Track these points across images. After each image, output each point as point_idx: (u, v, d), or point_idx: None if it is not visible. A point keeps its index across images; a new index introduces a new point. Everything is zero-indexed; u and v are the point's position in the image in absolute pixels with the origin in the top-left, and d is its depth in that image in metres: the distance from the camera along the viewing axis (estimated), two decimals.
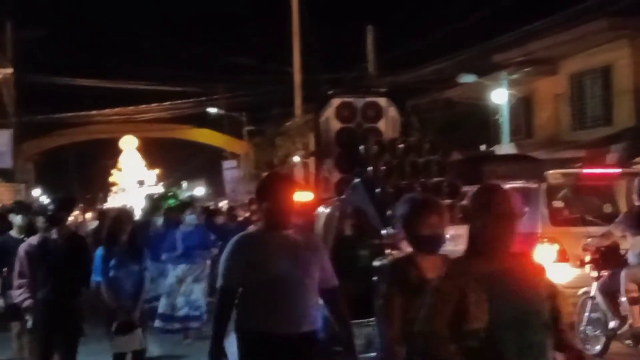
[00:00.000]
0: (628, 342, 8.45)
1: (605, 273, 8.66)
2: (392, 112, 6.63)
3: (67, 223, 7.85)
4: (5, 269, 8.37)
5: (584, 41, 18.03)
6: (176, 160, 45.34)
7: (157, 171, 38.19)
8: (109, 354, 7.47)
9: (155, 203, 17.36)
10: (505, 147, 19.76)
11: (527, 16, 20.19)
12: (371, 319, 5.42)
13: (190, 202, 14.75)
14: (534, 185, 9.60)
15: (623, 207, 9.94)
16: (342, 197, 6.42)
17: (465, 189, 5.76)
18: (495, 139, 21.60)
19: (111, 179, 38.95)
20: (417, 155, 5.78)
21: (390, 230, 5.30)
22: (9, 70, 27.31)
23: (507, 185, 5.64)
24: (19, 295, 7.28)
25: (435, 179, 5.67)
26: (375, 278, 4.99)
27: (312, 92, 25.15)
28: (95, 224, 17.49)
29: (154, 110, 33.82)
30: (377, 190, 5.63)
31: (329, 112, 6.61)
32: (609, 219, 9.23)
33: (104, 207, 25.88)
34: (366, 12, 38.60)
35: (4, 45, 28.87)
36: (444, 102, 24.07)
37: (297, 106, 27.08)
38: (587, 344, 8.56)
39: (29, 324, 7.27)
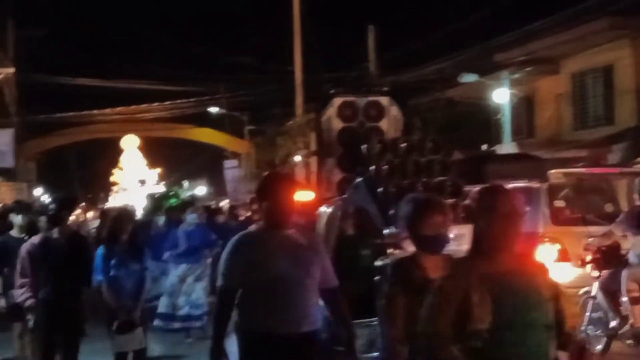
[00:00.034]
0: (629, 342, 8.44)
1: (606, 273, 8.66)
2: (394, 111, 6.63)
3: (69, 222, 7.86)
4: (6, 269, 8.36)
5: (586, 41, 18.03)
6: (177, 159, 45.36)
7: (158, 170, 38.21)
8: (110, 353, 7.47)
9: (156, 202, 17.36)
10: (507, 147, 19.75)
11: (529, 16, 20.22)
12: (373, 319, 5.42)
13: (191, 201, 14.75)
14: (536, 185, 9.59)
15: (624, 207, 9.94)
16: (344, 196, 6.42)
17: (467, 188, 5.76)
18: (496, 139, 21.59)
19: (112, 179, 38.97)
20: (419, 155, 5.77)
21: (393, 230, 5.29)
22: (11, 70, 27.32)
23: (510, 185, 5.66)
24: (21, 294, 7.29)
25: (438, 179, 5.66)
26: (377, 278, 4.99)
27: (313, 91, 25.14)
28: (96, 223, 17.48)
29: (155, 109, 33.84)
30: (379, 189, 5.62)
31: (331, 111, 6.60)
32: (610, 218, 9.22)
33: (106, 207, 25.84)
34: (367, 12, 38.58)
35: (5, 44, 28.88)
36: (445, 101, 24.08)
37: (298, 106, 27.07)
38: (588, 343, 8.55)
39: (31, 323, 7.28)
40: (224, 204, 24.63)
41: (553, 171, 9.90)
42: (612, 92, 18.65)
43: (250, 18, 45.96)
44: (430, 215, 3.95)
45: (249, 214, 16.46)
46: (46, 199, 29.51)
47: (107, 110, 33.95)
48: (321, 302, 4.78)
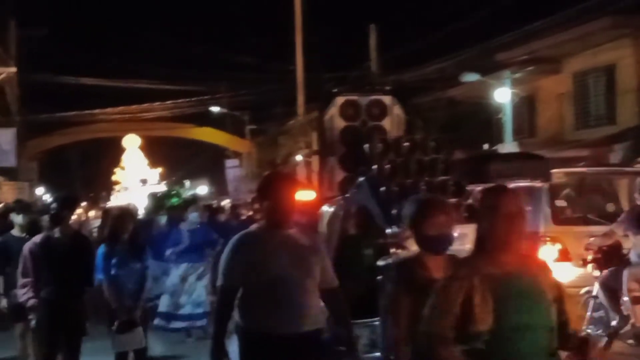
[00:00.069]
0: (630, 341, 8.43)
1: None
2: (396, 110, 6.60)
3: (70, 222, 7.86)
4: (7, 268, 8.36)
5: (587, 40, 18.02)
6: (179, 159, 45.32)
7: (159, 170, 38.17)
8: (111, 352, 7.48)
9: (158, 202, 17.34)
10: (508, 146, 19.75)
11: (530, 15, 20.21)
12: (375, 319, 5.42)
13: (193, 200, 14.74)
14: (537, 184, 9.58)
15: (625, 206, 9.94)
16: (346, 196, 6.40)
17: (470, 187, 5.75)
18: (498, 138, 21.58)
19: (114, 178, 38.94)
20: (422, 154, 5.75)
21: (395, 229, 5.29)
22: (12, 69, 27.30)
23: (512, 184, 5.65)
24: (23, 294, 7.29)
25: (441, 178, 5.65)
26: (379, 277, 4.98)
27: (315, 91, 25.14)
28: (98, 222, 17.46)
29: (156, 109, 33.87)
30: (382, 189, 5.60)
31: (333, 110, 6.58)
32: (611, 218, 9.22)
33: (107, 206, 25.84)
34: (368, 11, 38.58)
35: (7, 44, 28.87)
36: (446, 101, 24.08)
37: (300, 105, 27.05)
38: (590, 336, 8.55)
39: (33, 323, 7.28)
40: (226, 203, 24.62)
41: (554, 171, 9.89)
42: (613, 92, 18.64)
43: (252, 17, 45.99)
44: (434, 216, 3.95)
45: (250, 213, 16.47)
46: (48, 198, 29.51)
47: (109, 110, 33.99)
48: (321, 303, 4.78)
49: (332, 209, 6.78)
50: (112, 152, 40.22)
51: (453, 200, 5.33)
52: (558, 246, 9.42)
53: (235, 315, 4.64)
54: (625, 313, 8.43)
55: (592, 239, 8.84)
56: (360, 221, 6.36)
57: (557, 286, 3.38)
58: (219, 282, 4.67)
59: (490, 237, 3.29)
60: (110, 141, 39.81)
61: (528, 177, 9.01)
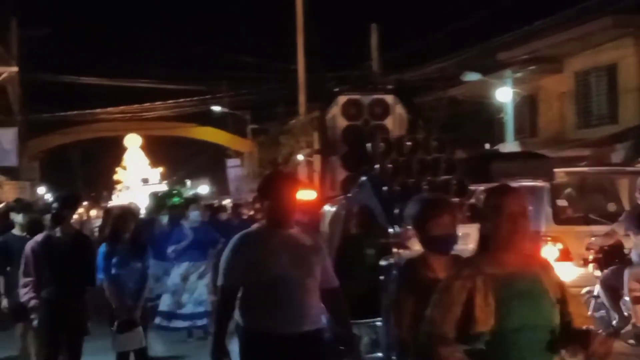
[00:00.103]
0: (631, 341, 8.42)
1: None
2: (399, 109, 6.59)
3: (72, 221, 7.85)
4: (9, 268, 8.35)
5: (589, 39, 18.00)
6: (180, 158, 45.36)
7: (160, 169, 38.18)
8: (113, 352, 7.48)
9: (159, 201, 17.35)
10: (509, 146, 19.74)
11: (532, 14, 20.20)
12: (377, 319, 5.42)
13: (195, 199, 14.75)
14: (538, 184, 9.57)
15: (627, 206, 9.93)
16: (349, 195, 6.40)
17: (473, 187, 5.75)
18: (499, 138, 21.57)
19: (115, 177, 38.96)
20: (425, 153, 5.74)
21: (398, 229, 5.28)
22: (14, 69, 27.27)
23: (515, 184, 5.64)
24: (25, 294, 7.28)
25: (443, 177, 5.63)
26: (382, 277, 4.98)
27: (316, 90, 25.15)
28: (100, 221, 17.48)
29: (158, 108, 33.88)
30: (384, 188, 5.59)
31: (335, 109, 6.58)
32: (612, 217, 9.21)
33: (109, 205, 25.85)
34: (370, 11, 38.57)
35: (8, 43, 28.86)
36: (448, 100, 24.05)
37: (301, 104, 27.05)
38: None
39: (35, 323, 7.27)
40: (227, 202, 24.63)
41: (556, 170, 9.88)
42: (615, 91, 18.62)
43: (253, 17, 45.99)
44: (439, 216, 3.93)
45: (252, 212, 16.48)
46: (49, 197, 29.52)
47: (110, 109, 34.01)
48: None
49: (334, 209, 6.78)
50: (113, 152, 40.30)
51: (456, 199, 5.31)
52: (559, 246, 9.40)
53: (236, 315, 4.63)
54: (626, 313, 8.42)
55: (593, 238, 8.83)
56: (362, 221, 6.36)
57: (561, 286, 3.37)
58: (219, 282, 4.67)
59: (493, 237, 3.28)
60: (111, 141, 39.87)
61: (531, 177, 9.00)
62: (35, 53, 30.42)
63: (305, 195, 7.65)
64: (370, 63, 25.20)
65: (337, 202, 6.77)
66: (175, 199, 15.55)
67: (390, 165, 5.71)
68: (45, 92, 34.08)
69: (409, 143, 5.82)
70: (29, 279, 7.23)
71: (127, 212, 8.18)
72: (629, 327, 8.38)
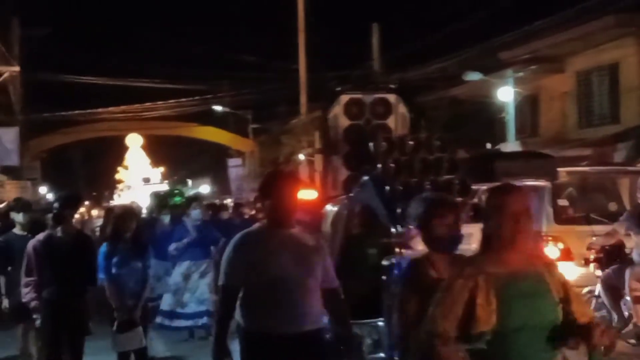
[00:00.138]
0: (632, 341, 8.41)
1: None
2: (401, 108, 6.59)
3: (73, 221, 7.84)
4: (10, 268, 8.35)
5: (591, 39, 17.98)
6: (181, 158, 45.36)
7: (161, 169, 38.19)
8: (114, 352, 7.48)
9: (161, 201, 17.34)
10: (511, 146, 19.73)
11: (533, 14, 20.18)
12: (379, 319, 5.41)
13: (196, 198, 14.74)
14: (539, 184, 9.56)
15: (628, 205, 9.92)
16: (350, 195, 6.39)
17: (476, 186, 5.74)
18: (500, 137, 21.57)
19: (117, 177, 38.98)
20: (427, 153, 5.73)
21: (400, 229, 5.27)
22: (16, 68, 27.32)
23: (517, 183, 5.62)
24: (26, 294, 7.28)
25: (446, 177, 5.62)
26: (384, 277, 4.97)
27: (317, 90, 25.14)
28: (101, 221, 17.49)
29: (159, 108, 33.88)
30: (386, 187, 5.59)
31: (337, 108, 6.57)
32: (613, 217, 9.20)
33: (110, 205, 25.86)
34: (371, 11, 38.56)
35: (9, 43, 28.88)
36: (449, 100, 24.04)
37: (303, 104, 27.05)
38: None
39: (38, 322, 7.27)
40: (228, 202, 24.63)
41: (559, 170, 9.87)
42: (617, 91, 18.60)
43: (254, 16, 46.00)
44: (443, 215, 3.93)
45: (253, 212, 16.47)
46: (51, 197, 29.54)
47: (112, 109, 34.00)
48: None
49: (336, 208, 6.77)
50: (114, 151, 40.31)
51: (458, 199, 5.31)
52: (560, 245, 9.39)
53: (236, 315, 4.63)
54: (626, 313, 8.41)
55: (594, 238, 8.82)
56: (365, 220, 6.35)
57: (566, 285, 3.36)
58: (220, 282, 4.66)
59: (496, 236, 3.27)
60: (112, 140, 39.89)
61: (535, 176, 9.00)
62: (36, 53, 30.43)
63: (307, 194, 7.63)
64: (371, 63, 25.20)
65: (339, 201, 6.77)
66: (177, 199, 15.54)
67: (392, 165, 5.70)
68: (47, 91, 34.10)
69: (411, 142, 5.82)
70: (31, 278, 7.23)
71: (129, 212, 8.17)
72: (630, 327, 8.37)
